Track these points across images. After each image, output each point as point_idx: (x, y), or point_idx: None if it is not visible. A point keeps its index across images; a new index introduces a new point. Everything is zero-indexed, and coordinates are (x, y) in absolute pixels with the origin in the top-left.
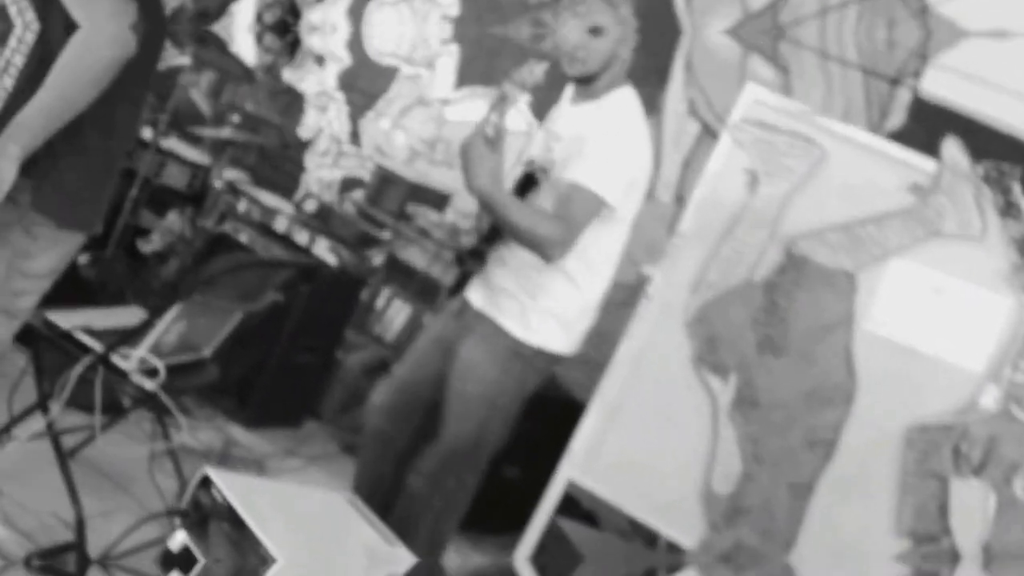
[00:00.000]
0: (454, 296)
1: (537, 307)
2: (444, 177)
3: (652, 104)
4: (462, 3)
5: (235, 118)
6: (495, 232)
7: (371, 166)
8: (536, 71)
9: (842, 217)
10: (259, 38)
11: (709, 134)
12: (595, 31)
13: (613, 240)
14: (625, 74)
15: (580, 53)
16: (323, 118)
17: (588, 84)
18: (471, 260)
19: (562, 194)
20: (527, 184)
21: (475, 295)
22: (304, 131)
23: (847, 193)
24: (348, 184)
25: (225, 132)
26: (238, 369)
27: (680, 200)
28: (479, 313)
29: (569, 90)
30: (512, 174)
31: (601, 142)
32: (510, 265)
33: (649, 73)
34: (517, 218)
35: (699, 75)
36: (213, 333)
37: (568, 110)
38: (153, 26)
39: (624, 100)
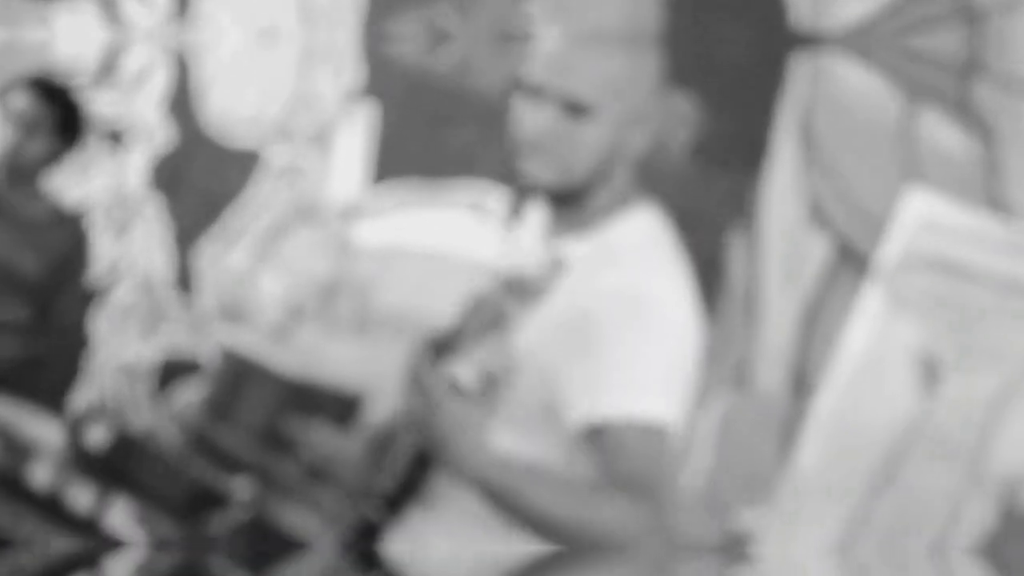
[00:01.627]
0: None
1: None
2: (350, 359)
3: (738, 204)
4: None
5: None
6: (422, 467)
7: (214, 344)
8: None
9: None
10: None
11: (851, 262)
12: (575, 109)
13: None
14: (631, 175)
15: (549, 142)
16: (122, 247)
17: (569, 204)
18: (384, 513)
19: (609, 444)
20: None
21: None
22: (89, 272)
23: None
24: (171, 372)
25: None
26: None
27: (800, 386)
28: None
29: (537, 213)
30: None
31: (621, 325)
32: (443, 516)
33: (732, 147)
34: (560, 510)
35: (827, 149)
36: None
37: (537, 251)
38: None
39: (640, 233)
